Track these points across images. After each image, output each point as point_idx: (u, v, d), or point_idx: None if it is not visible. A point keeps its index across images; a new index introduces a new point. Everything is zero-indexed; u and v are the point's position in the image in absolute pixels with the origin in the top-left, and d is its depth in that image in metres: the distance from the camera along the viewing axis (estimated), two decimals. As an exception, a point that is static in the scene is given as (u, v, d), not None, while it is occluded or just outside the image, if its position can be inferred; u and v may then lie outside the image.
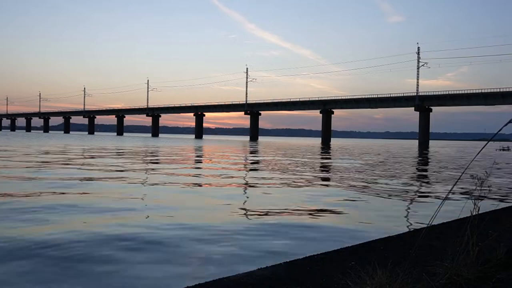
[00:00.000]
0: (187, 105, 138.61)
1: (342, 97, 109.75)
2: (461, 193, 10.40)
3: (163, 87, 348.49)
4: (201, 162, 22.81)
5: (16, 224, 6.00)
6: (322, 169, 19.27)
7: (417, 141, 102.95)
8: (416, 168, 21.38)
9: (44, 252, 4.67)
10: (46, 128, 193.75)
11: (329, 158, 29.51)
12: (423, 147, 71.07)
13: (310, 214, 7.40)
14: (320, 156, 32.05)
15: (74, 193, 9.10)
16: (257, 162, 23.18)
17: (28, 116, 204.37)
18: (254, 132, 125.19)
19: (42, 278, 3.91)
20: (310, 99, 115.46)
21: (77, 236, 5.34)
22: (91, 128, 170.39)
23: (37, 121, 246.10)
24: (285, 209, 7.82)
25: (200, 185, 11.71)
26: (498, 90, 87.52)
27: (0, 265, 4.24)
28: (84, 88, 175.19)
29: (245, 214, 7.28)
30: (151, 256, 4.62)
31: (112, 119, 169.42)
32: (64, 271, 4.09)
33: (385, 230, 5.96)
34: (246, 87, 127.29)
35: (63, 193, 9.08)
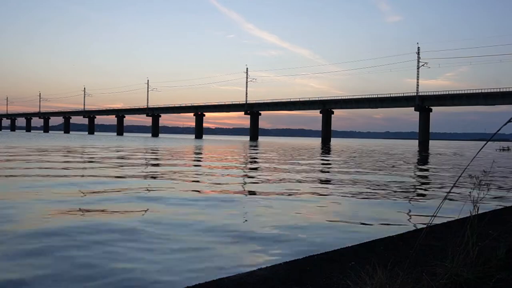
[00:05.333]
0: (187, 105, 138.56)
1: (342, 97, 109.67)
2: (461, 193, 10.38)
3: (163, 87, 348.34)
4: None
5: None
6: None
7: (417, 141, 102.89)
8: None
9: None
10: (46, 128, 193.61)
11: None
12: (425, 147, 71.02)
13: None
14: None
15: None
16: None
17: (28, 116, 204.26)
18: (254, 132, 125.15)
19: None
20: (310, 99, 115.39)
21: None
22: (91, 128, 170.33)
23: (37, 121, 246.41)
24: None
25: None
26: (498, 90, 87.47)
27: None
28: (84, 88, 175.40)
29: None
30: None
31: (112, 119, 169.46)
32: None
33: (385, 230, 5.96)
34: (246, 87, 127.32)
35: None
